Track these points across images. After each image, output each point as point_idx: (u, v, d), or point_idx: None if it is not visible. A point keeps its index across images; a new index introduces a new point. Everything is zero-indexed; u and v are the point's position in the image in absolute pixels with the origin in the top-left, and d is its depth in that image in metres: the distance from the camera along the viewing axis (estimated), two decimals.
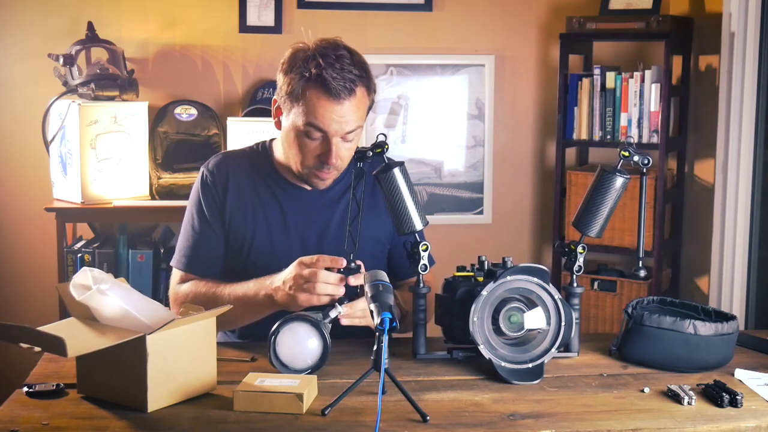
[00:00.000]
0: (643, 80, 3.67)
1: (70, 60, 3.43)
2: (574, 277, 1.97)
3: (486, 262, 1.93)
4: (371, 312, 1.65)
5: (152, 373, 1.61)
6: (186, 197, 3.40)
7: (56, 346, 1.53)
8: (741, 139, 3.56)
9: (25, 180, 3.70)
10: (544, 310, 1.83)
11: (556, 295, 1.83)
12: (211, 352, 1.73)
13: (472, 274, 1.92)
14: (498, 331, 1.82)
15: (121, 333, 1.62)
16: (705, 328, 1.86)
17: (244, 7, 3.77)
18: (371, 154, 1.91)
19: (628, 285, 3.74)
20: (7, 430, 1.53)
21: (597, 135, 3.77)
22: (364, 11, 3.86)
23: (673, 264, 3.96)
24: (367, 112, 2.10)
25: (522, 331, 1.82)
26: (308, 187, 2.16)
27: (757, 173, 3.58)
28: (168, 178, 3.53)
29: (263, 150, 2.22)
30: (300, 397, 1.61)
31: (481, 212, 4.03)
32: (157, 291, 3.48)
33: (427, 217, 1.94)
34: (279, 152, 2.17)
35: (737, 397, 1.67)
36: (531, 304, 1.83)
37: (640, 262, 1.93)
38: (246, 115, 3.61)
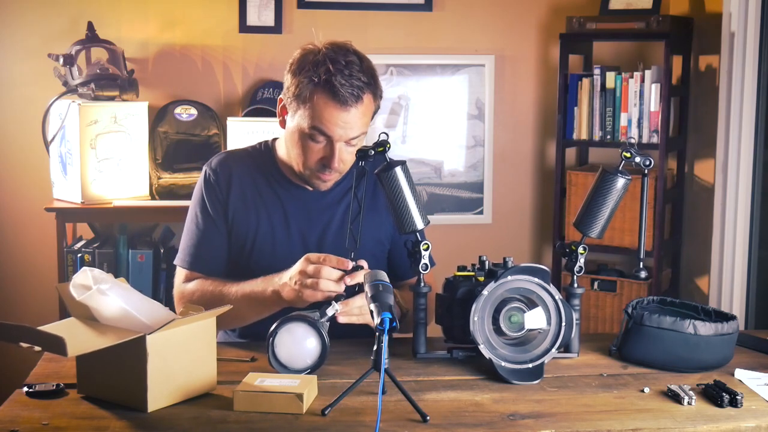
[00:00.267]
0: (643, 80, 3.67)
1: (70, 60, 3.43)
2: (575, 277, 1.97)
3: (487, 262, 1.93)
4: (371, 312, 1.65)
5: (152, 373, 1.61)
6: (186, 197, 3.45)
7: (56, 345, 1.53)
8: (741, 139, 3.56)
9: (25, 180, 3.70)
10: (545, 311, 1.83)
11: (557, 296, 1.83)
12: (211, 352, 1.73)
13: (472, 273, 1.92)
14: (498, 330, 1.82)
15: (121, 333, 1.62)
16: (705, 328, 1.86)
17: (244, 7, 3.77)
18: (373, 152, 1.91)
19: (628, 285, 3.74)
20: (7, 430, 1.53)
21: (597, 135, 3.77)
22: (364, 11, 3.86)
23: (673, 264, 3.96)
24: (372, 117, 2.10)
25: (522, 331, 1.82)
26: (310, 187, 2.16)
27: (757, 173, 3.58)
28: (168, 178, 3.53)
29: (266, 149, 2.22)
30: (300, 397, 1.61)
31: (481, 212, 4.03)
32: (157, 291, 3.49)
33: (427, 217, 1.94)
34: (282, 151, 2.17)
35: (737, 397, 1.67)
36: (531, 304, 1.83)
37: (641, 263, 1.93)
38: (246, 115, 3.61)
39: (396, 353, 1.93)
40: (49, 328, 1.66)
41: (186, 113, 3.61)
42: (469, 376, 1.83)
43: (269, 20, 3.78)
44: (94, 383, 1.68)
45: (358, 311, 1.88)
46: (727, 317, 1.93)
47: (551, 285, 1.84)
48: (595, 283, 3.78)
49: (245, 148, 2.26)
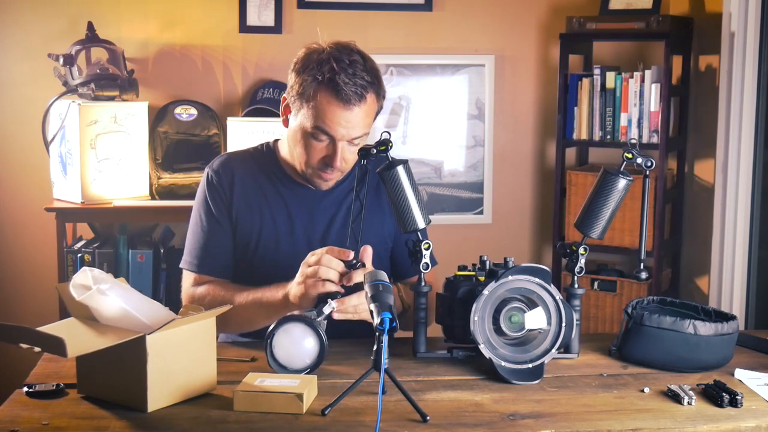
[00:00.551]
0: (643, 80, 3.67)
1: (70, 60, 3.43)
2: (576, 278, 1.97)
3: (487, 262, 1.93)
4: (371, 312, 1.65)
5: (152, 373, 1.61)
6: (186, 197, 3.45)
7: (56, 346, 1.53)
8: (741, 139, 3.56)
9: (25, 180, 3.70)
10: (545, 311, 1.83)
11: (557, 296, 1.83)
12: (211, 352, 1.73)
13: (473, 273, 1.92)
14: (498, 330, 1.82)
15: (121, 333, 1.62)
16: (705, 328, 1.86)
17: (244, 7, 3.77)
18: (375, 151, 1.91)
19: (628, 285, 3.74)
20: (7, 430, 1.53)
21: (597, 135, 3.77)
22: (364, 11, 3.86)
23: (673, 264, 3.96)
24: (375, 117, 2.10)
25: (523, 331, 1.82)
26: (312, 186, 2.16)
27: (757, 173, 3.58)
28: (168, 178, 3.53)
29: (268, 150, 2.22)
30: (300, 397, 1.61)
31: (481, 212, 4.03)
32: (157, 291, 3.48)
33: (429, 216, 1.94)
34: (284, 151, 2.18)
35: (737, 397, 1.67)
36: (532, 305, 1.83)
37: (642, 264, 1.93)
38: (246, 115, 3.61)
39: (396, 353, 1.93)
40: (49, 328, 1.66)
41: (186, 113, 3.61)
42: (469, 376, 1.83)
43: (269, 20, 3.78)
44: (94, 383, 1.68)
45: (354, 309, 1.88)
46: (727, 317, 1.93)
47: (552, 285, 1.84)
48: (595, 283, 3.78)
49: (247, 149, 2.26)
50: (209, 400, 1.68)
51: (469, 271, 1.93)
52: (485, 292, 1.81)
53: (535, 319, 1.82)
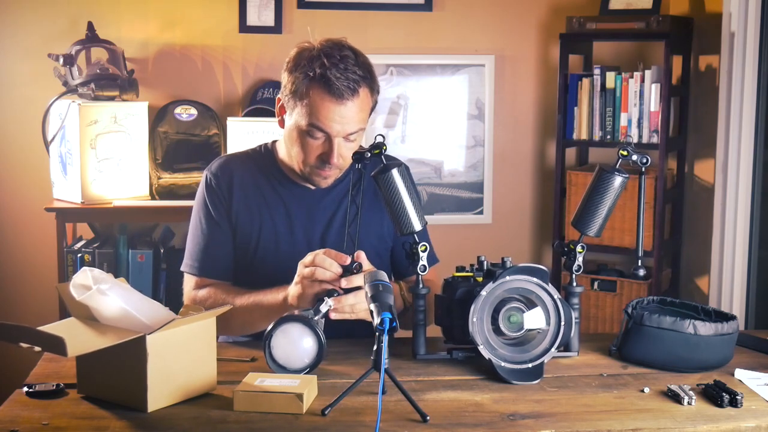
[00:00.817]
0: (643, 80, 3.67)
1: (70, 60, 3.43)
2: (574, 276, 1.97)
3: (485, 263, 1.93)
4: (371, 312, 1.65)
5: (152, 373, 1.61)
6: (186, 197, 3.45)
7: (56, 346, 1.53)
8: (741, 139, 3.56)
9: (25, 180, 3.70)
10: (544, 310, 1.83)
11: (556, 295, 1.83)
12: (211, 352, 1.73)
13: (471, 274, 1.92)
14: (497, 331, 1.82)
15: (121, 333, 1.62)
16: (705, 328, 1.86)
17: (244, 7, 3.77)
18: (369, 155, 1.91)
19: (628, 285, 3.74)
20: (7, 430, 1.53)
21: (597, 135, 3.77)
22: (364, 11, 3.86)
23: (673, 264, 3.96)
24: (370, 113, 2.10)
25: (521, 331, 1.82)
26: (312, 186, 2.16)
27: (757, 173, 3.58)
28: (168, 178, 3.53)
29: (266, 151, 2.22)
30: (300, 397, 1.61)
31: (481, 212, 4.03)
32: (157, 291, 3.48)
33: (427, 217, 1.94)
34: (282, 152, 2.18)
35: (737, 397, 1.67)
36: (530, 304, 1.83)
37: (639, 261, 1.93)
38: (246, 115, 3.61)
39: (396, 353, 1.93)
40: (49, 328, 1.66)
41: (186, 113, 3.62)
42: (469, 376, 1.83)
43: (269, 20, 3.78)
44: (94, 383, 1.68)
45: (350, 308, 1.88)
46: (727, 317, 1.93)
47: (550, 284, 1.84)
48: (595, 283, 3.78)
49: (245, 151, 2.26)
50: (209, 400, 1.68)
51: (467, 271, 1.93)
52: (483, 293, 1.81)
53: (534, 319, 1.82)
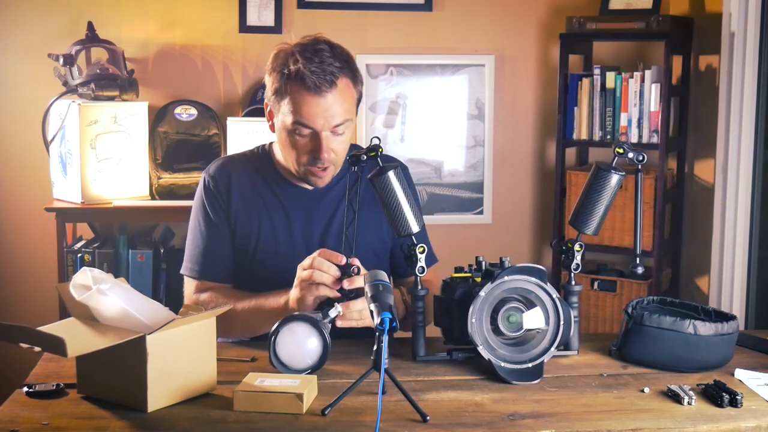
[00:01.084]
0: (643, 80, 3.67)
1: (70, 60, 3.43)
2: (572, 275, 1.97)
3: (483, 263, 1.93)
4: (371, 312, 1.65)
5: (152, 373, 1.61)
6: (186, 197, 3.45)
7: (56, 346, 1.53)
8: (741, 139, 3.56)
9: (25, 180, 3.70)
10: (543, 310, 1.83)
11: (554, 294, 1.83)
12: (211, 352, 1.73)
13: (470, 275, 1.92)
14: (497, 331, 1.82)
15: (121, 333, 1.62)
16: (705, 328, 1.86)
17: (244, 7, 3.77)
18: (365, 158, 1.91)
19: (628, 285, 3.74)
20: (7, 430, 1.53)
21: (597, 135, 3.77)
22: (364, 11, 3.86)
23: (673, 264, 3.96)
24: (357, 105, 2.10)
25: (521, 331, 1.82)
26: (310, 187, 2.16)
27: (757, 173, 3.58)
28: (168, 178, 3.53)
29: (264, 153, 2.22)
30: (300, 397, 1.61)
31: (481, 212, 4.03)
32: (157, 291, 3.48)
33: (427, 217, 1.93)
34: (279, 154, 2.18)
35: (737, 397, 1.67)
36: (529, 304, 1.83)
37: (638, 259, 1.93)
38: (246, 115, 3.61)
39: (396, 353, 1.93)
40: (49, 328, 1.66)
41: (186, 113, 3.62)
42: (468, 376, 1.83)
43: (269, 20, 3.78)
44: (94, 383, 1.68)
45: (358, 315, 1.88)
46: (727, 317, 1.93)
47: (548, 284, 1.83)
48: (595, 283, 3.78)
49: (243, 153, 2.26)
50: (209, 400, 1.68)
51: (465, 272, 1.92)
52: (482, 293, 1.81)
53: (533, 319, 1.82)
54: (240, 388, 1.64)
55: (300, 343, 1.79)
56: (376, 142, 1.89)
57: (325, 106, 2.01)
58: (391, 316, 1.59)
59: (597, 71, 3.76)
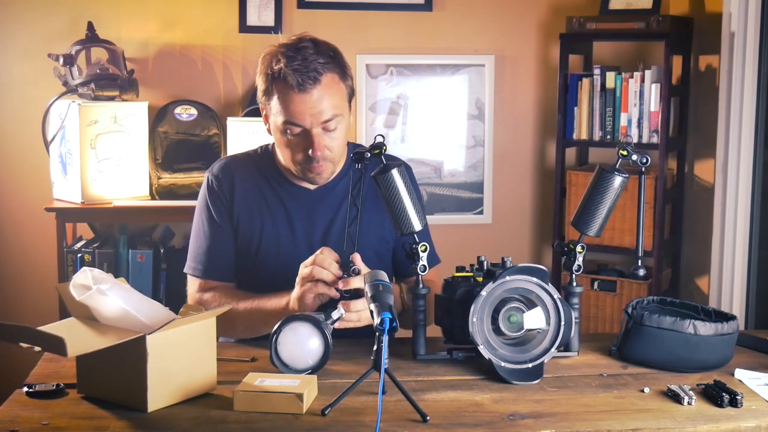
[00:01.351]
0: (643, 80, 3.67)
1: (70, 60, 3.43)
2: (574, 276, 1.97)
3: (485, 263, 1.93)
4: (371, 312, 1.65)
5: (152, 373, 1.61)
6: (186, 197, 3.45)
7: (56, 346, 1.53)
8: (741, 139, 3.56)
9: (25, 180, 3.70)
10: (544, 310, 1.83)
11: (555, 295, 1.83)
12: (211, 352, 1.73)
13: (471, 274, 1.92)
14: (497, 331, 1.82)
15: (121, 333, 1.62)
16: (705, 328, 1.86)
17: (244, 7, 3.77)
18: (369, 155, 1.91)
19: (628, 285, 3.74)
20: (7, 430, 1.53)
21: (597, 135, 3.77)
22: (364, 11, 3.86)
23: (673, 264, 3.96)
24: (349, 100, 2.10)
25: (521, 331, 1.82)
26: (312, 187, 2.16)
27: (757, 173, 3.58)
28: (168, 178, 3.53)
29: (266, 153, 2.22)
30: (300, 397, 1.61)
31: (481, 212, 4.03)
32: (157, 291, 3.48)
33: (428, 217, 1.93)
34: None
35: (737, 397, 1.67)
36: (530, 304, 1.83)
37: (639, 261, 1.93)
38: (246, 115, 3.61)
39: (396, 353, 1.93)
40: (49, 328, 1.66)
41: (186, 113, 3.62)
42: (469, 376, 1.83)
43: (269, 20, 3.78)
44: (94, 383, 1.68)
45: (357, 316, 1.89)
46: (727, 317, 1.93)
47: (550, 284, 1.83)
48: (595, 283, 3.78)
49: (246, 152, 2.26)
50: (209, 400, 1.68)
51: (467, 272, 1.93)
52: (483, 293, 1.81)
53: (534, 319, 1.82)
54: (240, 388, 1.64)
55: (301, 343, 1.79)
56: (380, 139, 1.89)
57: (311, 103, 2.01)
58: (391, 316, 1.59)
59: (597, 71, 3.76)
